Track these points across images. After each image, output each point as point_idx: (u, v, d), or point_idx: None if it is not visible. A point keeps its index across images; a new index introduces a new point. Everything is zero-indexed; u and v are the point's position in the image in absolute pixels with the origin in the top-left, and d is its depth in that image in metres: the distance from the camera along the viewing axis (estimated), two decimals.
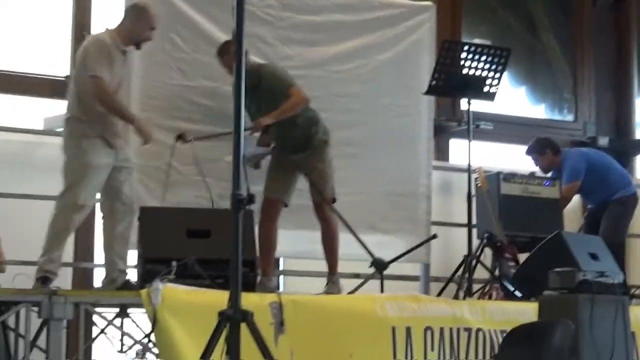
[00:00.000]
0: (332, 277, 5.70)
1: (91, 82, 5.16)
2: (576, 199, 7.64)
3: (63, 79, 7.13)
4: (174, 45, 5.99)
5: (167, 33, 5.99)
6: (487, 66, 6.03)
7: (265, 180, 5.77)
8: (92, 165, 5.17)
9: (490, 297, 6.05)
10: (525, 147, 7.45)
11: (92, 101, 5.19)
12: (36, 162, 6.51)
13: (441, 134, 8.49)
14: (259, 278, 5.49)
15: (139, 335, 4.70)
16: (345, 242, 5.79)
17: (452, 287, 6.16)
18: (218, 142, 5.94)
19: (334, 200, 5.66)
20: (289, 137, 5.70)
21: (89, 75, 5.16)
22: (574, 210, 7.58)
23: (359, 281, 5.74)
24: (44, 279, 4.94)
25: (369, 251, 5.49)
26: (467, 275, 5.84)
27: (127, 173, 5.37)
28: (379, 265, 5.41)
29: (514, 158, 8.91)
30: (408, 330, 4.75)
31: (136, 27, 5.36)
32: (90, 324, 4.80)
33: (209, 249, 4.65)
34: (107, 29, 5.39)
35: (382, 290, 5.39)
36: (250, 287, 4.55)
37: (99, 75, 5.14)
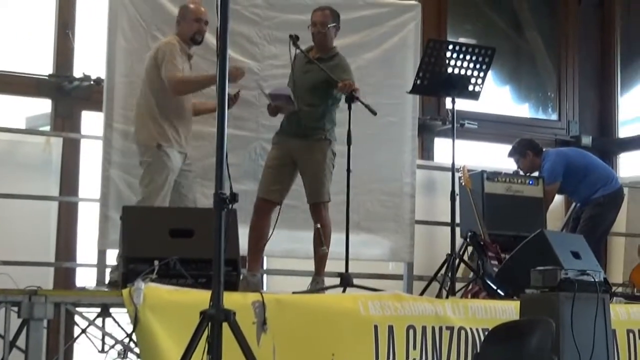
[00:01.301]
0: (318, 277, 5.71)
1: (168, 82, 5.41)
2: (559, 198, 7.66)
3: (46, 77, 7.11)
4: (156, 42, 5.97)
5: (151, 31, 5.99)
6: (471, 65, 6.03)
7: (260, 179, 5.78)
8: (172, 168, 5.42)
9: (472, 296, 6.06)
10: (509, 146, 7.47)
11: (170, 100, 5.44)
12: (18, 161, 6.49)
13: (426, 133, 8.52)
14: (242, 273, 5.51)
15: (120, 335, 4.68)
16: (332, 241, 5.79)
17: (435, 285, 6.17)
18: (202, 141, 5.94)
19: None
20: (302, 118, 5.69)
21: (162, 78, 5.42)
22: (556, 208, 7.61)
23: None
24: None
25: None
26: (450, 274, 5.84)
27: (191, 177, 5.66)
28: (345, 281, 5.43)
29: (498, 157, 8.94)
30: (390, 328, 4.74)
31: (184, 25, 5.61)
32: (71, 324, 4.77)
33: (192, 248, 4.63)
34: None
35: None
36: (232, 286, 4.54)
37: (172, 73, 5.40)
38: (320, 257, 5.69)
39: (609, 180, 7.30)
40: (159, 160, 5.43)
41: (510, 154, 7.39)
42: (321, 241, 5.60)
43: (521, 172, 7.29)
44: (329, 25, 5.74)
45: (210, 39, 5.75)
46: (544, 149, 7.43)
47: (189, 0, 5.70)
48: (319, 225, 5.59)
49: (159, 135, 5.45)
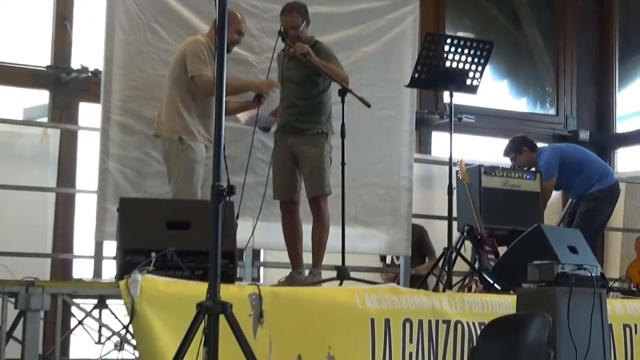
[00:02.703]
0: (315, 269, 5.71)
1: (197, 82, 5.45)
2: (556, 193, 7.67)
3: (44, 69, 7.11)
4: (155, 35, 5.97)
5: (149, 23, 5.97)
6: (469, 59, 6.02)
7: (272, 183, 5.82)
8: (198, 160, 5.47)
9: (469, 290, 6.07)
10: (507, 141, 7.47)
11: (195, 95, 5.48)
12: (16, 152, 6.49)
13: (423, 127, 8.53)
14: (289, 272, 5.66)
15: (117, 327, 4.69)
16: (330, 234, 5.80)
17: (432, 279, 6.17)
18: None
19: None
20: (296, 114, 5.72)
21: (191, 77, 5.46)
22: (553, 203, 7.61)
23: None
24: None
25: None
26: (446, 267, 5.84)
27: (208, 170, 5.54)
28: (342, 274, 5.45)
29: (496, 151, 8.94)
30: (387, 322, 4.74)
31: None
32: (68, 315, 4.78)
33: (189, 240, 4.62)
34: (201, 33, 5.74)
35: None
36: (229, 278, 4.54)
37: (201, 72, 5.43)
38: (317, 250, 5.69)
39: (605, 175, 7.31)
40: (183, 153, 5.46)
41: (506, 153, 7.40)
42: (319, 235, 5.62)
43: (519, 168, 7.30)
44: (300, 28, 5.73)
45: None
46: (538, 146, 7.43)
47: (236, 9, 5.70)
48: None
49: (182, 129, 5.47)
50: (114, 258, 5.04)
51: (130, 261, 4.48)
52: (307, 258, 5.87)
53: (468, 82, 6.10)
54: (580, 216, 7.17)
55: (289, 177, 5.77)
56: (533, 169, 7.26)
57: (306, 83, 5.73)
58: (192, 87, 5.52)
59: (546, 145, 7.70)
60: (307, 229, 5.81)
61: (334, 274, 5.59)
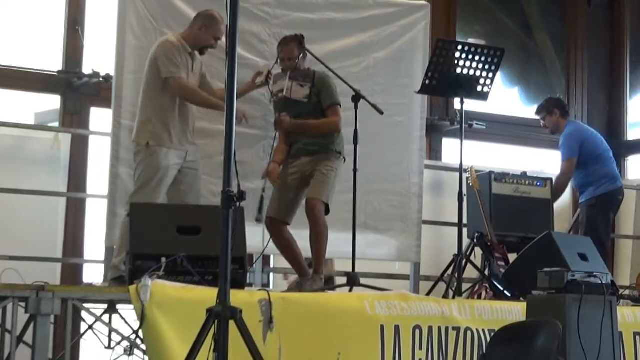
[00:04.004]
0: (316, 276, 5.67)
1: (172, 84, 5.40)
2: (567, 198, 7.66)
3: (55, 73, 7.13)
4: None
5: (160, 28, 5.98)
6: (480, 66, 6.02)
7: (270, 200, 5.73)
8: (162, 166, 5.38)
9: (479, 297, 6.06)
10: (517, 147, 7.49)
11: (164, 100, 5.42)
12: (27, 156, 6.50)
13: (434, 133, 8.52)
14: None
15: (127, 332, 4.69)
16: (339, 241, 5.79)
17: (442, 286, 6.16)
18: (210, 139, 5.95)
19: (327, 208, 5.62)
20: (306, 139, 5.68)
21: (164, 78, 5.41)
22: (564, 210, 7.60)
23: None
24: (121, 279, 5.02)
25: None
26: (456, 274, 5.83)
27: (193, 175, 5.58)
28: (352, 280, 5.45)
29: (506, 158, 8.94)
30: (397, 328, 4.74)
31: (202, 35, 5.60)
32: (78, 319, 4.79)
33: (199, 245, 4.63)
34: (172, 33, 5.67)
35: None
36: (239, 284, 4.55)
37: (174, 75, 5.39)
38: (317, 256, 5.59)
39: (608, 179, 7.30)
40: (148, 158, 5.41)
41: (539, 111, 7.50)
42: (316, 241, 5.58)
43: (546, 130, 7.45)
44: (296, 59, 5.69)
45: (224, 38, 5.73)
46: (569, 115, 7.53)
47: (215, 11, 5.61)
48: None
49: (150, 134, 5.42)
50: (124, 263, 5.08)
51: (140, 266, 4.50)
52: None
53: (479, 88, 6.10)
54: (583, 226, 7.20)
55: (288, 196, 5.67)
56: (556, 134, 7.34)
57: (314, 114, 5.67)
58: (166, 91, 5.45)
59: (572, 120, 7.72)
60: (304, 234, 5.76)
61: (344, 280, 5.58)
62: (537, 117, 7.53)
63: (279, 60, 5.74)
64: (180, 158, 5.52)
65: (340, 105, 5.71)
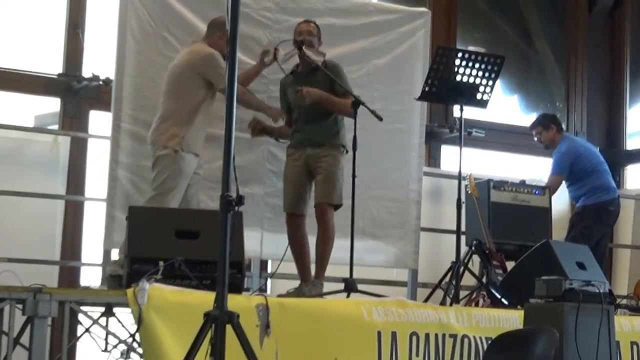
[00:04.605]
0: (317, 280, 5.69)
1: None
2: (565, 207, 7.67)
3: (55, 76, 7.14)
4: (167, 45, 5.99)
5: (161, 32, 6.00)
6: (480, 73, 6.03)
7: (283, 197, 5.82)
8: (187, 173, 5.45)
9: (477, 304, 6.06)
10: (516, 155, 7.51)
11: (197, 106, 5.51)
12: (26, 159, 6.50)
13: (433, 140, 8.52)
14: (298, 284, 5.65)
15: (123, 335, 4.69)
16: (337, 247, 5.79)
17: (439, 293, 6.16)
18: (210, 144, 5.95)
19: (337, 207, 5.66)
20: (315, 128, 5.73)
21: (223, 87, 5.31)
22: (562, 218, 7.60)
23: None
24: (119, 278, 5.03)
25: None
26: (454, 281, 5.83)
27: (197, 181, 5.64)
28: (349, 286, 5.45)
29: (505, 166, 8.94)
30: (394, 335, 4.74)
31: (224, 43, 5.51)
32: (75, 322, 4.78)
33: (197, 250, 4.64)
34: (195, 41, 5.75)
35: None
36: (237, 288, 4.55)
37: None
38: (320, 260, 5.65)
39: (601, 190, 7.33)
40: (174, 164, 5.43)
41: (534, 126, 7.56)
42: (322, 245, 5.60)
43: (540, 144, 7.51)
44: (315, 35, 5.82)
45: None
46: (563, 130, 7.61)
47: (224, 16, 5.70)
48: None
49: (181, 139, 5.44)
50: (116, 261, 5.07)
51: (138, 270, 4.50)
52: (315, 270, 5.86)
53: (478, 96, 6.11)
54: (577, 236, 7.24)
55: (298, 188, 5.75)
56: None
57: (323, 87, 5.73)
58: (207, 100, 5.52)
59: (567, 135, 7.75)
60: (312, 241, 5.79)
61: (341, 286, 5.58)
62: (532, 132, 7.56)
63: (295, 35, 5.78)
64: (194, 166, 5.56)
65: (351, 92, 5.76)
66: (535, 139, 7.56)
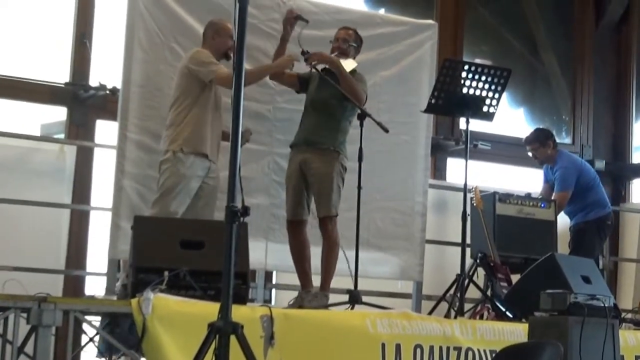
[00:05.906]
0: (322, 292, 5.68)
1: (218, 81, 5.51)
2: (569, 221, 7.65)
3: (62, 85, 7.16)
4: (175, 55, 6.00)
5: (168, 43, 6.01)
6: (487, 86, 6.04)
7: (286, 200, 5.85)
8: (186, 175, 5.43)
9: (481, 317, 6.04)
10: (522, 168, 7.50)
11: (202, 110, 5.51)
12: (32, 167, 6.51)
13: (439, 152, 8.52)
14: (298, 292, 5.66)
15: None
16: (341, 258, 5.78)
17: (444, 305, 6.15)
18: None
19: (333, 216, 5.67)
20: (313, 127, 5.75)
21: (210, 80, 5.49)
22: (567, 232, 7.59)
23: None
24: None
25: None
26: (459, 294, 5.82)
27: (211, 191, 5.61)
28: (354, 298, 5.45)
29: (511, 179, 8.93)
30: (398, 347, 4.74)
31: (219, 41, 5.69)
32: (79, 331, 4.78)
33: (202, 260, 4.64)
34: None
35: None
36: (241, 299, 4.54)
37: (215, 70, 5.49)
38: (325, 272, 5.65)
39: (599, 205, 7.35)
40: (174, 166, 5.45)
41: (529, 142, 7.48)
42: (326, 256, 5.60)
43: (535, 160, 7.45)
44: (350, 43, 5.89)
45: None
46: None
47: (218, 18, 5.75)
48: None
49: (181, 141, 5.46)
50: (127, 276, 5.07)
51: (142, 279, 4.50)
52: (319, 281, 5.85)
53: (485, 109, 6.12)
54: (570, 248, 7.24)
55: (296, 195, 5.77)
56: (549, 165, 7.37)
57: (333, 103, 5.75)
58: (202, 99, 5.52)
59: (563, 150, 7.73)
60: (317, 251, 5.79)
61: (346, 297, 5.58)
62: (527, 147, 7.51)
63: (331, 40, 5.90)
64: (203, 171, 5.54)
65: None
66: (530, 154, 7.50)
